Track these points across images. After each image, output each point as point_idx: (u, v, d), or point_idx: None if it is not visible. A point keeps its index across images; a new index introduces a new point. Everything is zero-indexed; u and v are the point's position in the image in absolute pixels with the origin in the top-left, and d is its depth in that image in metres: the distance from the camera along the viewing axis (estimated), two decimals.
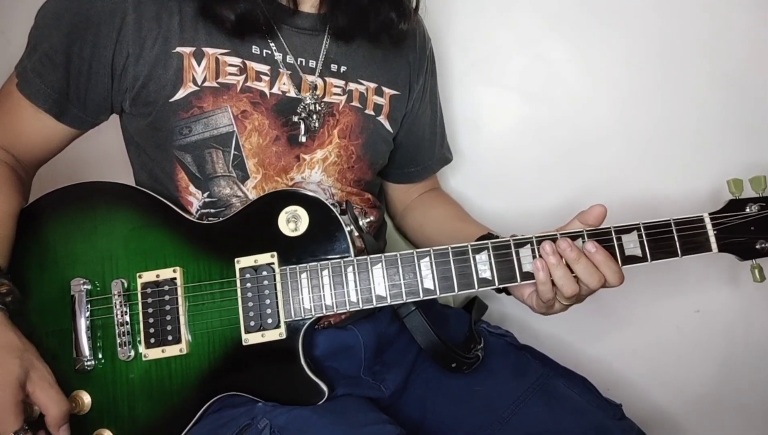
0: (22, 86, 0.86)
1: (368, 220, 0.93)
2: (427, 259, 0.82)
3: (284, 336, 0.81)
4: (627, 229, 0.82)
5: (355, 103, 0.95)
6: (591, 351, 1.29)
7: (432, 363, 0.91)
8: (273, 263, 0.82)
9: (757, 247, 0.83)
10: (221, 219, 0.86)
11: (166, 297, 0.81)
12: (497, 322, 1.05)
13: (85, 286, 0.82)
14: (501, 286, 0.83)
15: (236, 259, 0.82)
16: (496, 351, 0.96)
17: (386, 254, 0.82)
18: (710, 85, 1.20)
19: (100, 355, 0.82)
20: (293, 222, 0.83)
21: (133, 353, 0.81)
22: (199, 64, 0.85)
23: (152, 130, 0.87)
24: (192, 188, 0.88)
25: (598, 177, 1.24)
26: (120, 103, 0.88)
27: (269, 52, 0.89)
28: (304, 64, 0.91)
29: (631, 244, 0.81)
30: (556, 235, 0.81)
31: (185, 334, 0.81)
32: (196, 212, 0.88)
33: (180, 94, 0.85)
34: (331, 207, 0.84)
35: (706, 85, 1.20)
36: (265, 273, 0.81)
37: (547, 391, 0.90)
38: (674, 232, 0.82)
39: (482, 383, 0.92)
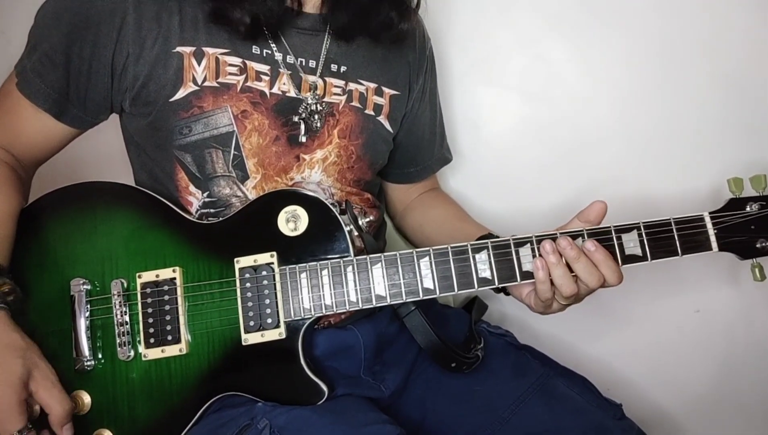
0: (22, 86, 0.86)
1: (368, 219, 0.93)
2: (427, 258, 0.81)
3: (284, 336, 0.81)
4: (627, 229, 0.81)
5: (355, 103, 0.95)
6: (591, 351, 1.29)
7: (432, 363, 0.91)
8: (272, 263, 0.82)
9: (758, 246, 0.83)
10: (221, 219, 0.86)
11: (166, 297, 0.81)
12: (497, 322, 1.05)
13: (85, 286, 0.82)
14: (500, 286, 0.83)
15: (236, 259, 0.82)
16: (496, 351, 0.96)
17: (386, 254, 0.82)
18: (710, 85, 1.20)
19: (99, 355, 0.82)
20: (293, 222, 0.83)
21: (132, 353, 0.81)
22: (199, 64, 0.85)
23: (152, 130, 0.87)
24: (192, 188, 0.88)
25: (598, 177, 1.24)
26: (120, 103, 0.88)
27: (269, 52, 0.89)
28: (304, 64, 0.91)
29: (631, 243, 0.81)
30: (556, 234, 0.81)
31: (185, 334, 0.81)
32: (196, 212, 0.88)
33: (180, 93, 0.85)
34: (331, 207, 0.84)
35: (706, 85, 1.20)
36: (264, 273, 0.81)
37: (547, 390, 0.90)
38: (674, 231, 0.82)
39: (482, 383, 0.92)
